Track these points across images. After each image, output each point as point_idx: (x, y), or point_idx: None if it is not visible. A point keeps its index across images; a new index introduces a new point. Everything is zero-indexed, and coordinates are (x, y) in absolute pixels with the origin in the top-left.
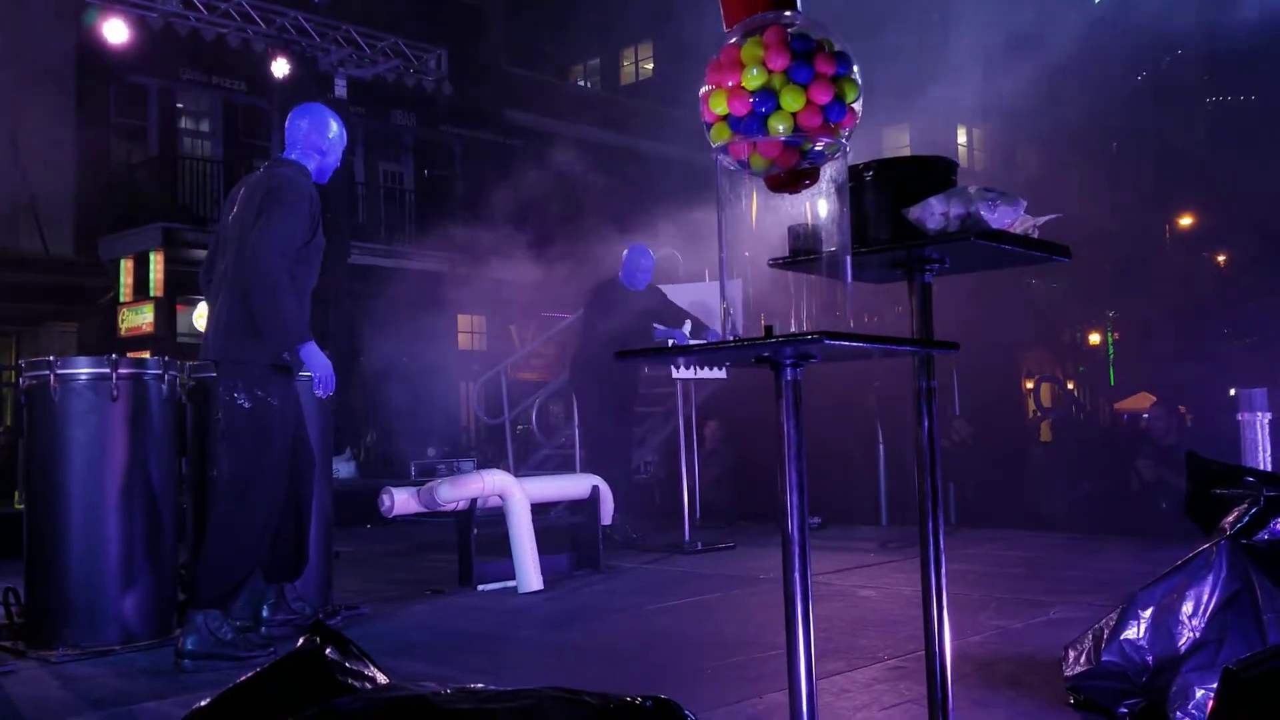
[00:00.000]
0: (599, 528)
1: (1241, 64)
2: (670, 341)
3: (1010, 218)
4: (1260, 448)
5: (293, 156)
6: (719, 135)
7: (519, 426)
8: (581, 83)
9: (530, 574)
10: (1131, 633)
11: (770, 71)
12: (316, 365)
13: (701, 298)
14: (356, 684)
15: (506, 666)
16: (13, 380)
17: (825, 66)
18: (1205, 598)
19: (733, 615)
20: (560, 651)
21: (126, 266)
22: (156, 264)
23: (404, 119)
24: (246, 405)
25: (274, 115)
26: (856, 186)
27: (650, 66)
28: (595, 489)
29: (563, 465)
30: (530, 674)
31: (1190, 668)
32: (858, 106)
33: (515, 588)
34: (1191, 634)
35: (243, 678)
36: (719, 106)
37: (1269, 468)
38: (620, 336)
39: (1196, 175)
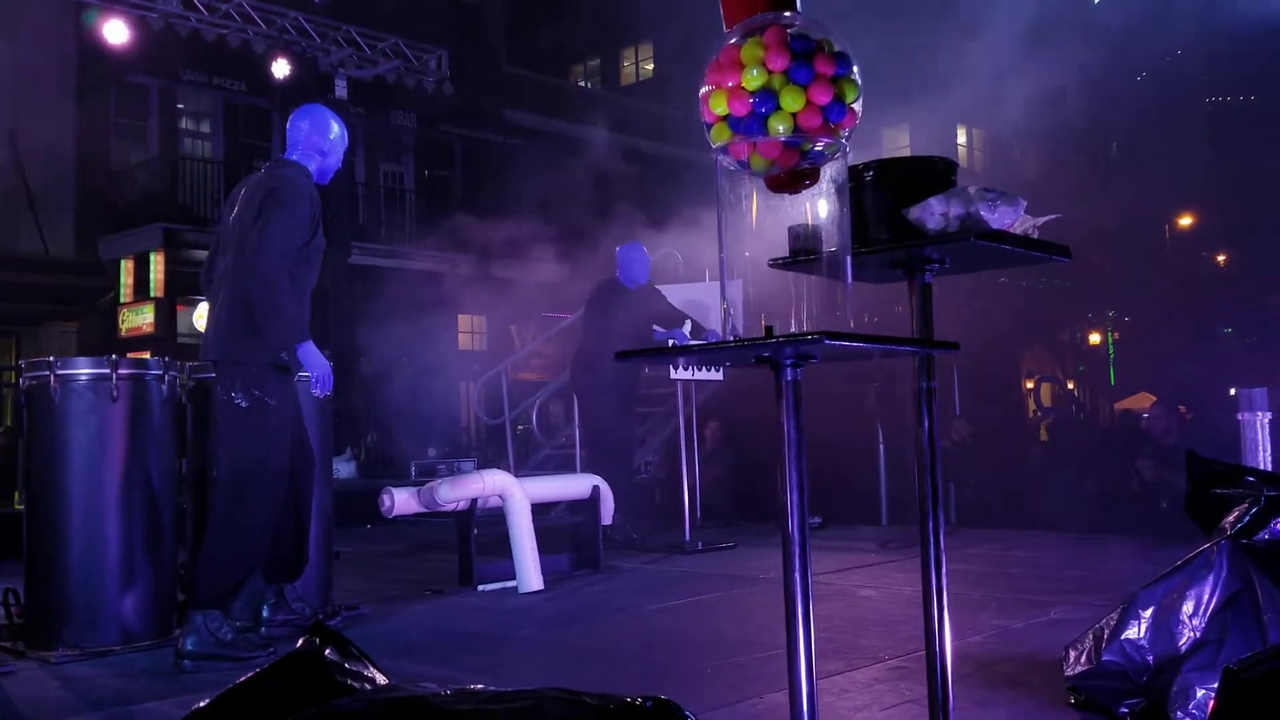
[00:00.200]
0: (599, 528)
1: (1241, 64)
2: (670, 342)
3: (1010, 218)
4: (1260, 447)
5: (294, 157)
6: (719, 136)
7: (519, 426)
8: (581, 83)
9: (530, 574)
10: (1132, 632)
11: (770, 72)
12: (314, 365)
13: (699, 297)
14: (356, 685)
15: (506, 667)
16: (13, 380)
17: (825, 67)
18: (1206, 597)
19: (733, 615)
20: (560, 651)
21: (127, 267)
22: (157, 264)
23: (404, 119)
24: (245, 405)
25: (274, 116)
26: (856, 187)
27: (650, 66)
28: (595, 489)
29: (563, 465)
30: (530, 674)
31: (1191, 667)
32: (857, 107)
33: (515, 588)
34: (1192, 634)
35: (242, 678)
36: (719, 107)
37: (1269, 467)
38: (620, 337)
39: (1196, 175)
